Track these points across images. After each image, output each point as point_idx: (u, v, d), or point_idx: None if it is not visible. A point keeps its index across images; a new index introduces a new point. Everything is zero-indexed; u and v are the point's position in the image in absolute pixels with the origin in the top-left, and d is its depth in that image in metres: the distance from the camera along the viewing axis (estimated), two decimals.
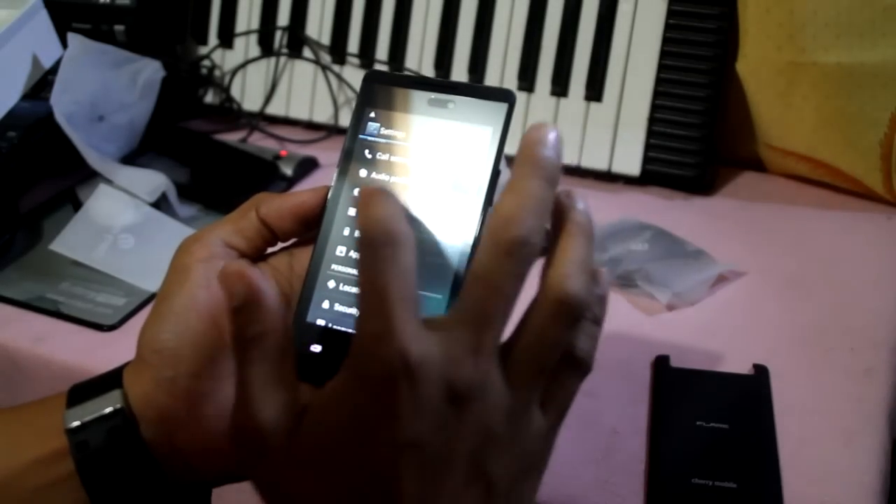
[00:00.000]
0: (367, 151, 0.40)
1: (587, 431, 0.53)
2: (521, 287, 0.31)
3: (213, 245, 0.39)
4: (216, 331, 0.37)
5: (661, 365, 0.58)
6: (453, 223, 0.38)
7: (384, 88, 0.41)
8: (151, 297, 0.66)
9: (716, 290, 0.66)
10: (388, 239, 0.30)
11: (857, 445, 0.52)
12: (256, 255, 0.41)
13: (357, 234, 0.31)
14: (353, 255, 0.39)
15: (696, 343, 0.61)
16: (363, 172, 0.40)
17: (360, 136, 0.41)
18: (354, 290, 0.39)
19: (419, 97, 0.41)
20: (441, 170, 0.39)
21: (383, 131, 0.41)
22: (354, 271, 0.39)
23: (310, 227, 0.41)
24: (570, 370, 0.34)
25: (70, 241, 0.70)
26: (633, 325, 0.63)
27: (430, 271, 0.38)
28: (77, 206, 0.74)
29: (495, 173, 0.39)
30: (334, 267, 0.39)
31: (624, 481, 0.50)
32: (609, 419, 0.54)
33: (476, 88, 0.40)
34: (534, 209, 0.32)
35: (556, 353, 0.33)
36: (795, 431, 0.53)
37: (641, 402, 0.55)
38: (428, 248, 0.38)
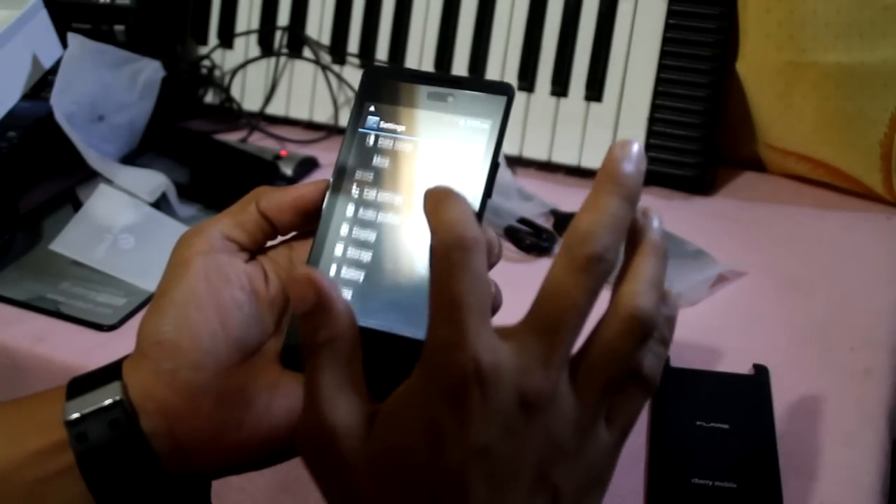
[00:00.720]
0: (366, 145, 0.41)
1: None
2: (594, 302, 0.32)
3: (213, 238, 0.39)
4: (216, 323, 0.37)
5: None
6: None
7: (383, 83, 0.41)
8: (151, 297, 0.66)
9: (716, 290, 0.66)
10: (460, 243, 0.30)
11: (857, 445, 0.52)
12: (256, 249, 0.41)
13: (429, 237, 0.31)
14: (351, 249, 0.40)
15: (696, 343, 0.61)
16: (363, 166, 0.40)
17: (360, 130, 0.41)
18: (354, 282, 0.39)
19: (418, 91, 0.41)
20: (440, 163, 0.40)
21: (383, 125, 0.41)
22: (352, 264, 0.39)
23: (309, 221, 0.41)
24: (635, 388, 0.34)
25: (70, 241, 0.69)
26: None
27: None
28: (77, 206, 0.74)
29: (494, 166, 0.39)
30: (334, 259, 0.40)
31: (624, 481, 0.50)
32: None
33: (475, 82, 0.40)
34: (611, 226, 0.32)
35: (624, 369, 0.33)
36: (795, 431, 0.53)
37: None
38: (427, 242, 0.38)
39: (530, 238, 0.72)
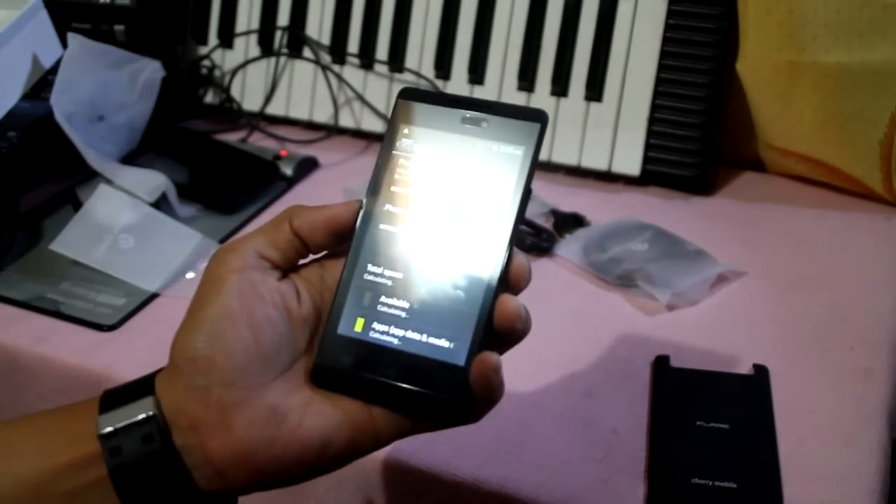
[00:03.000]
0: (399, 167, 0.41)
1: (587, 431, 0.53)
2: None
3: (247, 256, 0.39)
4: (249, 340, 0.38)
5: (661, 365, 0.58)
6: (485, 240, 0.39)
7: (418, 105, 0.42)
8: (151, 297, 0.66)
9: (716, 290, 0.66)
10: None
11: (857, 445, 0.52)
12: (289, 267, 0.41)
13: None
14: (384, 270, 0.40)
15: (696, 343, 0.61)
16: (395, 188, 0.41)
17: (393, 152, 0.41)
18: (385, 303, 0.39)
19: (452, 115, 0.41)
20: (473, 187, 0.40)
21: (416, 148, 0.41)
22: (384, 285, 0.40)
23: (342, 241, 0.41)
24: None
25: (70, 241, 0.70)
26: (633, 325, 0.63)
27: (463, 291, 0.38)
28: (77, 206, 0.74)
29: (527, 192, 0.39)
30: (366, 279, 0.40)
31: (624, 481, 0.50)
32: (609, 419, 0.54)
33: (509, 108, 0.41)
34: None
35: None
36: (795, 431, 0.53)
37: (641, 402, 0.55)
38: (459, 265, 0.39)
39: (530, 238, 0.72)
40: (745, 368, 0.57)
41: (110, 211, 0.72)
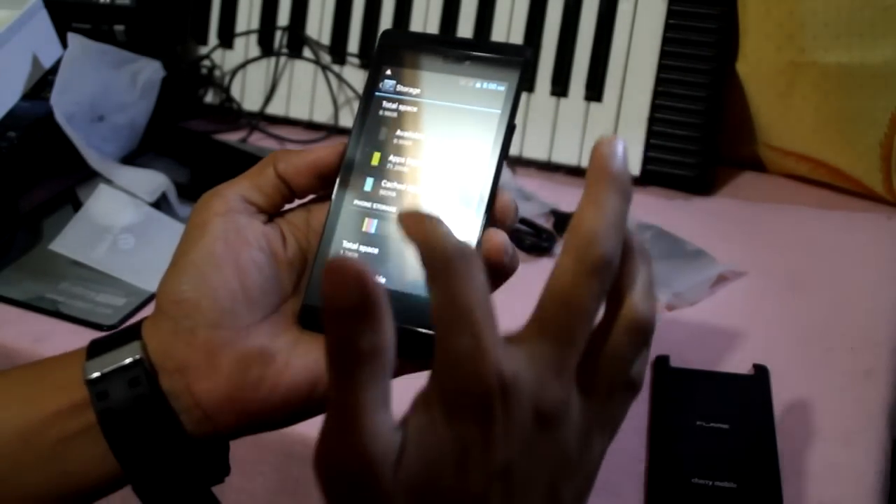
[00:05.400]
0: (382, 108, 0.41)
1: None
2: (600, 307, 0.31)
3: (232, 200, 0.40)
4: (235, 283, 0.38)
5: (660, 365, 0.58)
6: (470, 177, 0.39)
7: (400, 46, 0.42)
8: (151, 296, 0.66)
9: (716, 290, 0.66)
10: (460, 254, 0.29)
11: (857, 445, 0.52)
12: (274, 211, 0.41)
13: (418, 253, 0.29)
14: (369, 212, 0.40)
15: (696, 343, 0.61)
16: (379, 129, 0.41)
17: (376, 94, 0.41)
18: (370, 245, 0.39)
19: (435, 54, 0.41)
20: (457, 125, 0.40)
21: (399, 88, 0.41)
22: (369, 226, 0.40)
23: (327, 184, 0.41)
24: (625, 392, 0.34)
25: (70, 241, 0.70)
26: None
27: (450, 228, 0.38)
28: (77, 206, 0.74)
29: (510, 128, 0.39)
30: (350, 223, 0.40)
31: (624, 481, 0.50)
32: None
33: (491, 45, 0.41)
34: (615, 226, 0.31)
35: (625, 375, 0.33)
36: (795, 431, 0.53)
37: (641, 402, 0.55)
38: (444, 202, 0.39)
39: (530, 238, 0.72)
40: (745, 368, 0.57)
41: (110, 211, 0.72)
